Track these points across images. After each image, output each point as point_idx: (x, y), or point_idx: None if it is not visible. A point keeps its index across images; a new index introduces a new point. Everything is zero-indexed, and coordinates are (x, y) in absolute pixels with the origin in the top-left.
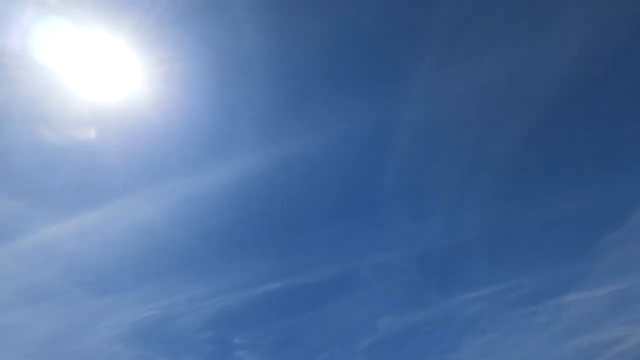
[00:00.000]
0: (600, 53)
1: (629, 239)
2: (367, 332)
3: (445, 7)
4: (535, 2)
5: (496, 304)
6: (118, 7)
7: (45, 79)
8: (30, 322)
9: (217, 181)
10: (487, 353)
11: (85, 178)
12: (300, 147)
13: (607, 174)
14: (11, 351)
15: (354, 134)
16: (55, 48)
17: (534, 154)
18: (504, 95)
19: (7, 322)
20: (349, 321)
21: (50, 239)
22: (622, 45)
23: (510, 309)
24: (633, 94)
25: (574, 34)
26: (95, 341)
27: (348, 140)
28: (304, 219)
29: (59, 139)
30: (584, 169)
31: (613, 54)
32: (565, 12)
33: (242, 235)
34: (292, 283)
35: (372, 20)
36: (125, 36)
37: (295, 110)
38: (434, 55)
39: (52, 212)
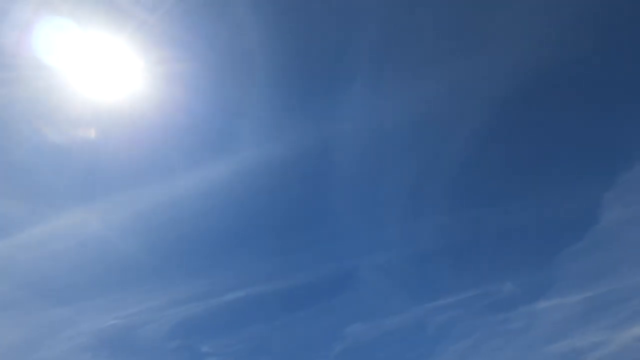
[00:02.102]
0: (552, 57)
1: (593, 248)
2: (338, 339)
3: (388, 23)
4: (475, 19)
5: (466, 311)
6: (121, 7)
7: (48, 78)
8: None
9: (189, 187)
10: (465, 359)
11: (70, 179)
12: (260, 158)
13: (570, 184)
14: None
15: (306, 146)
16: (58, 48)
17: (495, 164)
18: (458, 105)
19: None
20: (320, 328)
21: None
22: (573, 49)
23: (482, 315)
24: (593, 103)
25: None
26: (60, 350)
27: (306, 151)
28: (271, 227)
29: (59, 138)
30: (547, 179)
31: (565, 59)
32: (501, 28)
33: (208, 244)
34: (262, 290)
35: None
36: (128, 36)
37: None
38: (388, 70)
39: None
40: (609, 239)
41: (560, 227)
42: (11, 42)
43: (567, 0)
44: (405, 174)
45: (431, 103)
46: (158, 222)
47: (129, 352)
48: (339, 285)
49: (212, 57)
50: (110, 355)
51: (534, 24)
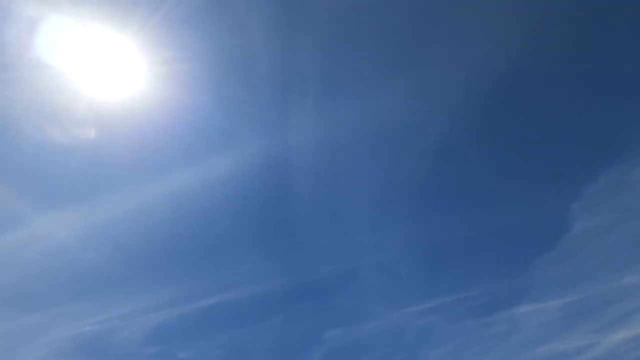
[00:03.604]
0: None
1: (567, 256)
2: (317, 344)
3: (342, 35)
4: (432, 25)
5: (446, 316)
6: (124, 6)
7: (50, 78)
8: None
9: (167, 191)
10: None
11: (61, 180)
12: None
13: (538, 195)
14: None
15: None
16: (61, 48)
17: (463, 174)
18: (421, 113)
19: None
20: (298, 333)
21: None
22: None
23: (462, 320)
24: (557, 114)
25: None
26: (35, 357)
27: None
28: (248, 233)
29: (60, 138)
30: (512, 189)
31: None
32: (460, 36)
33: (179, 249)
34: (239, 295)
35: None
36: (130, 36)
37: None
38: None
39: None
40: (581, 247)
41: (532, 236)
42: (16, 41)
43: (528, 7)
44: (376, 179)
45: (397, 110)
46: (133, 227)
47: (105, 358)
48: (318, 290)
49: (215, 57)
50: None
51: (493, 31)
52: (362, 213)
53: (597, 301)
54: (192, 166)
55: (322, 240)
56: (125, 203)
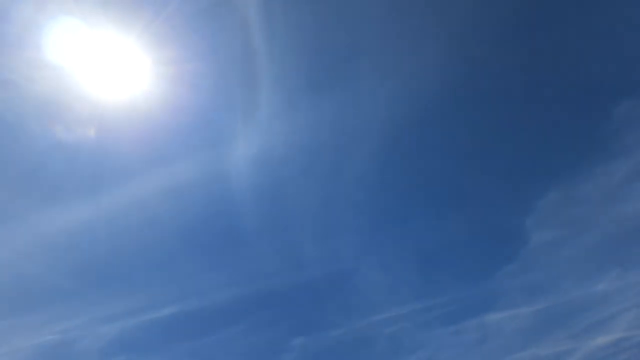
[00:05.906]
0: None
1: (529, 266)
2: (283, 352)
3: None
4: (372, 40)
5: (416, 323)
6: (128, 7)
7: (54, 78)
8: None
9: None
10: None
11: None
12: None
13: (490, 210)
14: None
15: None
16: (64, 47)
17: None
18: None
19: None
20: (265, 341)
21: None
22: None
23: (433, 327)
24: (503, 127)
25: None
26: None
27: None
28: (212, 239)
29: (62, 138)
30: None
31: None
32: (399, 51)
33: (143, 258)
34: (202, 304)
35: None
36: (134, 36)
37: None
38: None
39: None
40: (541, 258)
41: (494, 247)
42: (21, 42)
43: (472, 23)
44: (356, 183)
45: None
46: (97, 234)
47: None
48: (285, 298)
49: (218, 58)
50: None
51: (434, 44)
52: (335, 219)
53: (568, 308)
54: (166, 168)
55: (290, 247)
56: (91, 209)
